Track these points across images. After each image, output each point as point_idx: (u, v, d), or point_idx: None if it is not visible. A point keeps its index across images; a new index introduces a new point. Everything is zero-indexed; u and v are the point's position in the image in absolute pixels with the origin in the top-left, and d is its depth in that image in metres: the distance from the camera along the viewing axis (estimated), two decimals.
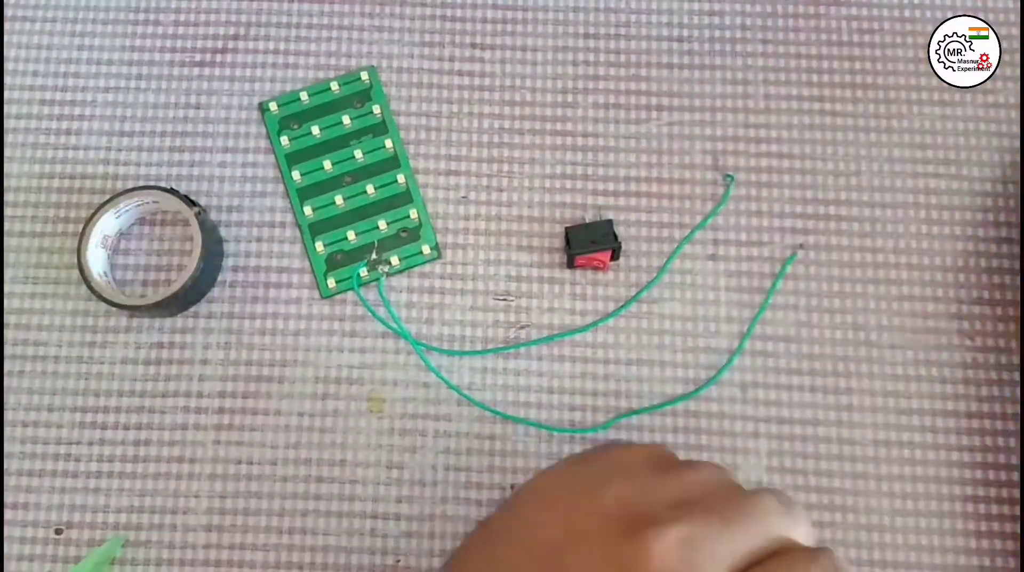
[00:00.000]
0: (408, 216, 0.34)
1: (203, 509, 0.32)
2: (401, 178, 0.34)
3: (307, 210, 0.34)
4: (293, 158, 0.35)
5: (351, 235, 0.34)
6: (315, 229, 0.34)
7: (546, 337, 0.33)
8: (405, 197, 0.34)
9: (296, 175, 0.34)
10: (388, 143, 0.35)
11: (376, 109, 0.35)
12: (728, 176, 0.32)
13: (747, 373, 0.33)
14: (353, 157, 0.34)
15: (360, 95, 0.35)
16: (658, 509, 0.20)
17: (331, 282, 0.33)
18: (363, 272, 0.33)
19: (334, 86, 0.35)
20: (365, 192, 0.34)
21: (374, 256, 0.34)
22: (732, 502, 0.21)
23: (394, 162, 0.35)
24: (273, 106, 0.35)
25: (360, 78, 0.35)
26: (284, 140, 0.35)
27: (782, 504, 0.21)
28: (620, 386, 0.32)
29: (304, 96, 0.35)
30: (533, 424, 0.32)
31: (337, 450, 0.32)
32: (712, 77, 0.35)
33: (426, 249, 0.34)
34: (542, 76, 0.35)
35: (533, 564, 0.20)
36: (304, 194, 0.34)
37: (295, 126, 0.35)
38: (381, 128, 0.35)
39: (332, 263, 0.34)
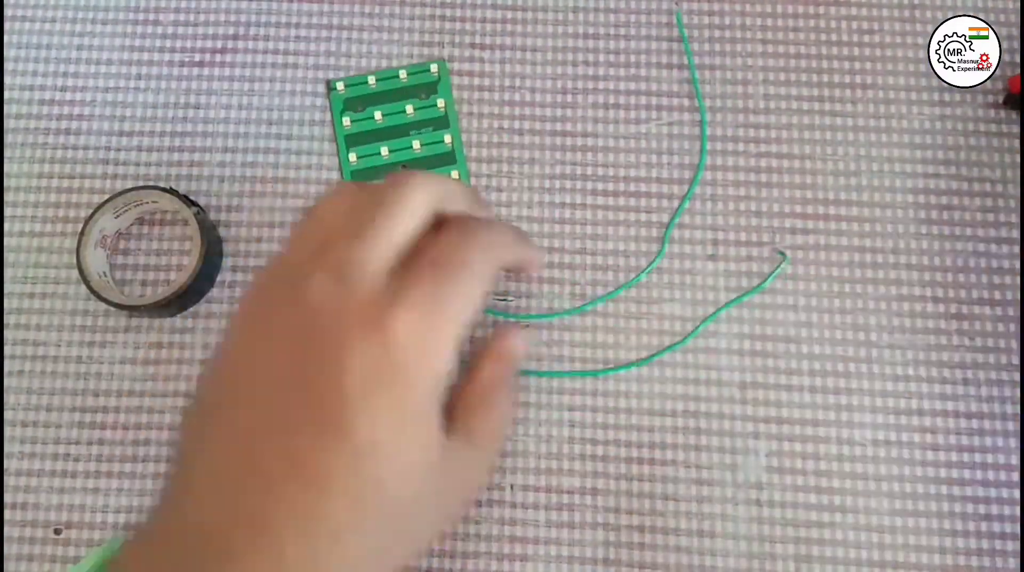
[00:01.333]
0: None
1: None
2: (455, 174, 0.34)
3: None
4: (352, 140, 0.35)
5: None
6: None
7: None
8: None
9: (352, 157, 0.34)
10: (447, 138, 0.35)
11: (440, 103, 0.35)
12: (781, 254, 0.33)
13: (747, 373, 0.33)
14: (411, 147, 0.35)
15: (427, 87, 0.35)
16: (297, 267, 0.23)
17: None
18: None
19: (402, 74, 0.35)
20: None
21: None
22: (367, 214, 0.23)
23: (450, 157, 0.35)
24: (340, 86, 0.35)
25: (429, 70, 0.35)
26: (346, 121, 0.35)
27: (415, 183, 0.24)
28: (620, 387, 0.32)
29: (372, 80, 0.35)
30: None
31: None
32: (712, 77, 0.35)
33: None
34: (542, 76, 0.35)
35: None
36: (357, 176, 0.34)
37: (359, 108, 0.35)
38: (442, 122, 0.35)
39: None
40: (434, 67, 0.35)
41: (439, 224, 0.25)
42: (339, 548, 0.21)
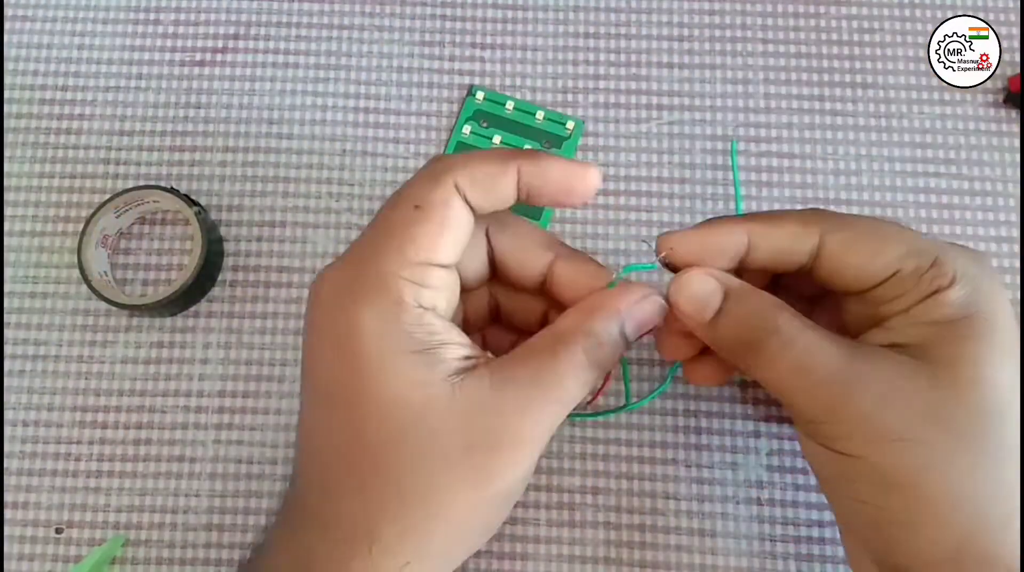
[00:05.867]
0: None
1: (203, 509, 0.32)
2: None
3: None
4: (461, 148, 0.34)
5: None
6: None
7: None
8: None
9: None
10: None
11: None
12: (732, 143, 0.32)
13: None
14: None
15: (554, 138, 0.35)
16: (329, 270, 0.23)
17: None
18: None
19: (539, 115, 0.35)
20: None
21: None
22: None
23: (538, 210, 0.34)
24: (480, 95, 0.35)
25: (566, 124, 0.35)
26: (466, 128, 0.35)
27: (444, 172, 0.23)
28: (621, 386, 0.32)
29: (510, 105, 0.35)
30: None
31: None
32: (712, 77, 0.35)
33: None
34: (542, 76, 0.35)
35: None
36: None
37: (484, 123, 0.35)
38: None
39: None
40: (571, 123, 0.35)
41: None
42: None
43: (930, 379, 0.21)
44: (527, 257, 0.25)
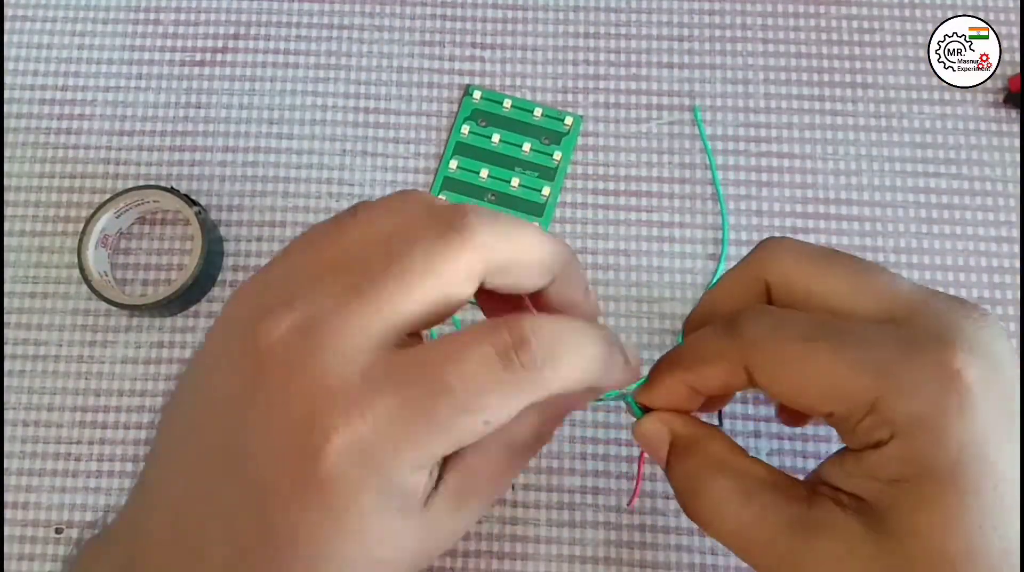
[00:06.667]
0: None
1: None
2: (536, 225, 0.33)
3: (441, 198, 0.34)
4: (460, 149, 0.34)
5: None
6: None
7: None
8: None
9: (453, 164, 0.34)
10: (546, 190, 0.34)
11: (557, 155, 0.34)
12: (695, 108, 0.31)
13: None
14: (510, 182, 0.34)
15: (553, 134, 0.35)
16: (273, 298, 0.18)
17: None
18: None
19: (538, 112, 0.35)
20: None
21: None
22: (380, 262, 0.18)
23: (539, 209, 0.34)
24: (477, 94, 0.35)
25: (564, 120, 0.35)
26: (465, 128, 0.35)
27: (477, 231, 0.18)
28: None
29: (507, 103, 0.35)
30: None
31: None
32: (712, 77, 0.35)
33: None
34: (542, 75, 0.35)
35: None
36: (448, 184, 0.34)
37: (482, 123, 0.35)
38: (549, 174, 0.34)
39: None
40: (569, 119, 0.35)
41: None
42: None
43: (877, 551, 0.19)
44: (521, 285, 0.20)
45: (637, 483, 0.31)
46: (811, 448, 0.32)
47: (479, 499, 0.20)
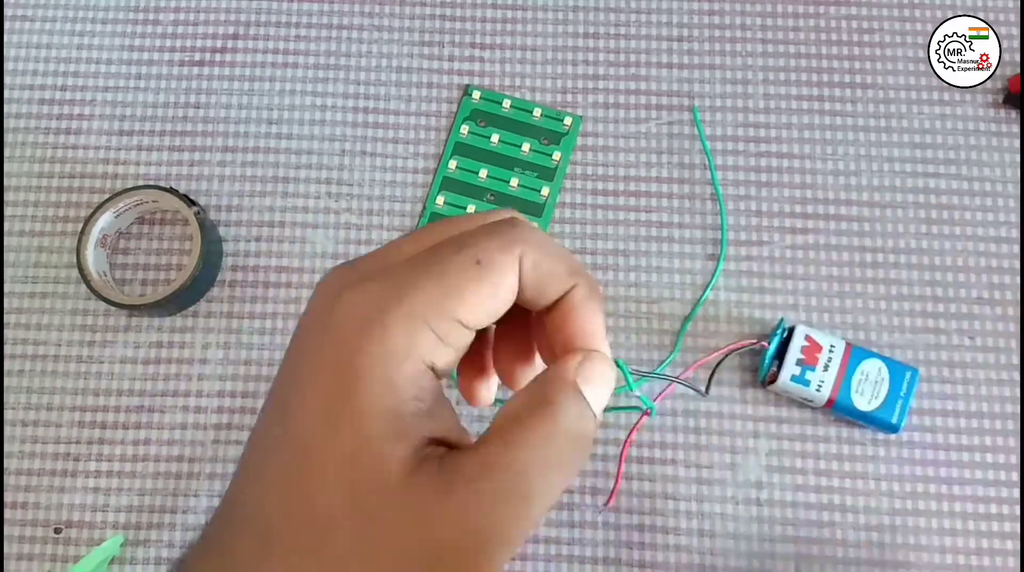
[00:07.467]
0: None
1: (203, 508, 0.32)
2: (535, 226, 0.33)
3: (439, 199, 0.34)
4: (459, 149, 0.34)
5: None
6: (434, 219, 0.34)
7: None
8: None
9: (452, 164, 0.34)
10: (545, 190, 0.34)
11: (556, 155, 0.34)
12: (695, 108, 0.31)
13: (747, 373, 0.33)
14: (509, 182, 0.34)
15: (552, 135, 0.35)
16: (353, 277, 0.20)
17: None
18: None
19: (537, 112, 0.35)
20: None
21: None
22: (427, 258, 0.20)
23: (538, 209, 0.34)
24: (476, 94, 0.35)
25: (563, 120, 0.35)
26: (464, 129, 0.35)
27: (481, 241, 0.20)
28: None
29: (506, 104, 0.35)
30: None
31: None
32: (711, 77, 0.35)
33: None
34: (541, 75, 0.35)
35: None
36: (447, 184, 0.34)
37: (481, 123, 0.35)
38: (548, 174, 0.34)
39: None
40: (568, 119, 0.35)
41: None
42: None
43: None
44: (544, 296, 0.21)
45: (616, 482, 0.31)
46: (810, 448, 0.32)
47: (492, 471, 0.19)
